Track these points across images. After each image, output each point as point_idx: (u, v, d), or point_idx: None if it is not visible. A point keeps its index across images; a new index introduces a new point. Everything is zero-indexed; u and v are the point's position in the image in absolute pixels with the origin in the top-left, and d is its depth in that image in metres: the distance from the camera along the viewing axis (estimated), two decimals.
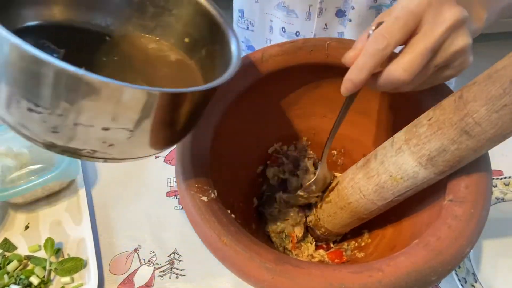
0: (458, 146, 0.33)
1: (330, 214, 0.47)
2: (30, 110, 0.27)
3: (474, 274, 0.54)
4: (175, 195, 0.64)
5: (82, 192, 0.63)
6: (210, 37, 0.40)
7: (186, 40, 0.41)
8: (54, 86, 0.25)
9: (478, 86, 0.31)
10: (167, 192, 0.65)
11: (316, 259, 0.51)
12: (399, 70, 0.32)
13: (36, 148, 0.64)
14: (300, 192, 0.49)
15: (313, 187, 0.48)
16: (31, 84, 0.26)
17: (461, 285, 0.51)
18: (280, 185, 0.54)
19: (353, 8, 0.60)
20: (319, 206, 0.49)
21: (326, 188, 0.49)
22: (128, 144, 0.30)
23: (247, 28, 0.72)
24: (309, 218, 0.52)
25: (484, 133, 0.31)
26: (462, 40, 0.33)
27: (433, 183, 0.37)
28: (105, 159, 0.32)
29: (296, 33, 0.66)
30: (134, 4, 0.41)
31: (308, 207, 0.52)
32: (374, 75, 0.34)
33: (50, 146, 0.29)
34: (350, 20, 0.62)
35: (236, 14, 0.73)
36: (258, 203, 0.54)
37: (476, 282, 0.53)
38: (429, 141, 0.34)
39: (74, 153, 0.30)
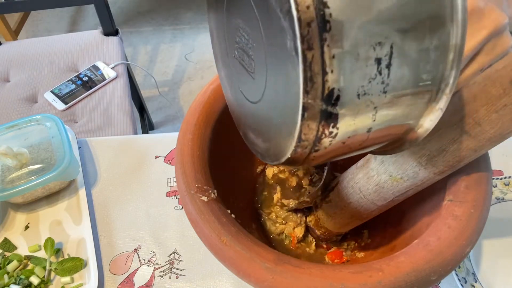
0: (458, 146, 0.33)
1: (330, 214, 0.47)
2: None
3: (474, 274, 0.54)
4: (175, 195, 0.64)
5: (82, 192, 0.63)
6: None
7: None
8: None
9: (478, 86, 0.31)
10: (167, 192, 0.65)
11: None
12: None
13: (36, 148, 0.64)
14: (306, 199, 0.49)
15: (319, 193, 0.48)
16: None
17: (461, 285, 0.51)
18: (279, 184, 0.54)
19: None
20: (319, 206, 0.49)
21: (326, 188, 0.49)
22: None
23: None
24: (309, 218, 0.52)
25: (484, 133, 0.31)
26: (502, 45, 0.33)
27: (433, 182, 0.37)
28: None
29: None
30: None
31: (307, 207, 0.52)
32: None
33: None
34: None
35: None
36: (257, 203, 0.54)
37: (476, 282, 0.53)
38: (429, 141, 0.34)
39: None
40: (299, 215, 0.52)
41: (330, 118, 0.23)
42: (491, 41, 0.33)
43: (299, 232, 0.51)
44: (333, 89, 0.22)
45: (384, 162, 0.39)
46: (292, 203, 0.51)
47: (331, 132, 0.24)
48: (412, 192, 0.39)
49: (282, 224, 0.52)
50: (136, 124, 1.11)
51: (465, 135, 0.32)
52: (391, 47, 0.22)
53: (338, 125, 0.24)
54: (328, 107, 0.23)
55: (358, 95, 0.23)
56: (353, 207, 0.43)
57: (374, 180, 0.40)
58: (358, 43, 0.22)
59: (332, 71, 0.22)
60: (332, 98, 0.23)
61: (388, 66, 0.23)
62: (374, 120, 0.25)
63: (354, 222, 0.46)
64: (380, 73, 0.23)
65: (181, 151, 0.41)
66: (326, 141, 0.25)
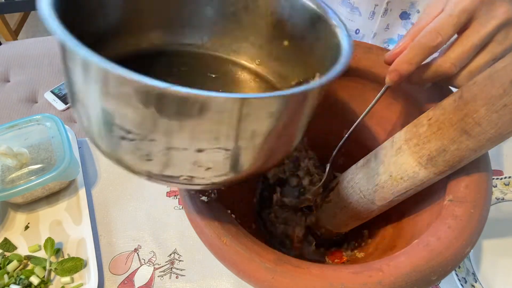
0: (458, 146, 0.33)
1: (330, 214, 0.47)
2: (122, 138, 0.26)
3: (474, 274, 0.54)
4: (175, 195, 0.64)
5: (82, 192, 0.63)
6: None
7: (285, 43, 0.38)
8: (145, 106, 0.24)
9: (478, 86, 0.31)
10: (167, 192, 0.65)
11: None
12: (448, 64, 0.34)
13: (36, 148, 0.64)
14: (308, 196, 0.49)
15: (321, 190, 0.48)
16: (121, 109, 0.24)
17: (461, 285, 0.51)
18: (278, 185, 0.54)
19: (418, 11, 0.60)
20: (319, 206, 0.49)
21: (326, 188, 0.49)
22: (225, 166, 0.28)
23: None
24: (309, 218, 0.52)
25: (484, 133, 0.31)
26: None
27: (433, 183, 0.37)
28: (205, 185, 0.30)
29: (356, 31, 0.66)
30: (228, 14, 0.38)
31: (307, 207, 0.52)
32: (419, 67, 0.36)
33: (148, 176, 0.28)
34: (413, 24, 0.62)
35: None
36: (257, 203, 0.54)
37: (476, 282, 0.53)
38: (429, 141, 0.34)
39: (171, 181, 0.29)
40: (299, 214, 0.52)
41: None
42: (502, 31, 0.33)
43: (300, 232, 0.51)
44: None
45: (384, 162, 0.39)
46: (293, 201, 0.51)
47: None
48: (412, 192, 0.39)
49: (282, 224, 0.52)
50: None
51: (465, 135, 0.32)
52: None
53: None
54: None
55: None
56: (353, 207, 0.43)
57: (374, 180, 0.40)
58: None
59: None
60: None
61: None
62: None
63: (354, 222, 0.46)
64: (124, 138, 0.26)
65: None
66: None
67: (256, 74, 0.41)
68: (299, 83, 0.38)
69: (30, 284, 0.54)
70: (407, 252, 0.34)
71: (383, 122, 0.50)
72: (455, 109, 0.32)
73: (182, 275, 0.56)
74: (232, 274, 0.35)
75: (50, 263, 0.56)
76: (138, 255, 0.59)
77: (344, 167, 0.48)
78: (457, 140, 0.33)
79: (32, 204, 0.63)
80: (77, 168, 0.63)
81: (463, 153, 0.33)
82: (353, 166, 0.44)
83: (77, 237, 0.59)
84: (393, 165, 0.38)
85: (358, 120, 0.43)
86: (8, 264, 0.56)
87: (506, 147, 0.66)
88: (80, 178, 0.64)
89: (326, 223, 0.48)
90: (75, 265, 0.56)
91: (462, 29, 0.34)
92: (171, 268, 0.57)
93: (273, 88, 0.40)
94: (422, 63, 0.35)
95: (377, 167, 0.40)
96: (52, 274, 0.56)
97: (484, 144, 0.32)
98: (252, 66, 0.40)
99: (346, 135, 0.44)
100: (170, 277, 0.56)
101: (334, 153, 0.46)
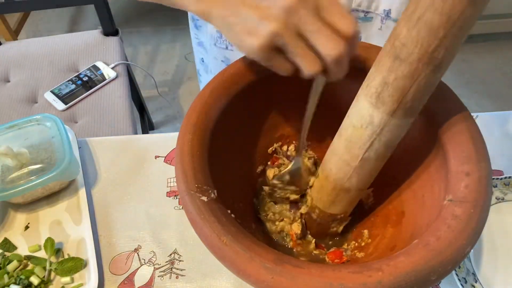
0: (395, 75, 0.34)
1: (319, 189, 0.47)
2: None
3: (474, 274, 0.54)
4: (175, 195, 0.64)
5: (82, 192, 0.63)
6: None
7: None
8: None
9: (404, 12, 0.32)
10: (167, 192, 0.65)
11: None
12: None
13: (36, 148, 0.64)
14: (275, 181, 0.49)
15: (287, 177, 0.48)
16: None
17: (461, 285, 0.51)
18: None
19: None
20: (311, 185, 0.50)
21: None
22: None
23: (227, 47, 0.72)
24: (303, 207, 0.51)
25: (411, 54, 0.32)
26: None
27: (394, 130, 0.37)
28: None
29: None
30: None
31: (301, 197, 0.52)
32: None
33: None
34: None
35: (215, 35, 0.72)
36: (257, 204, 0.54)
37: (476, 282, 0.53)
38: (374, 78, 0.35)
39: None
40: (292, 211, 0.52)
41: None
42: None
43: (297, 228, 0.51)
44: None
45: (349, 115, 0.40)
46: (287, 188, 0.51)
47: None
48: (378, 144, 0.38)
49: (280, 221, 0.52)
50: (136, 124, 1.11)
51: (397, 60, 0.33)
52: None
53: None
54: None
55: None
56: (334, 174, 0.43)
57: (343, 137, 0.41)
58: None
59: None
60: None
61: None
62: None
63: (340, 195, 0.45)
64: None
65: (181, 151, 0.41)
66: None
67: None
68: None
69: (30, 284, 0.54)
70: (407, 252, 0.34)
71: None
72: (388, 40, 0.34)
73: (182, 275, 0.57)
74: (232, 274, 0.35)
75: (50, 263, 0.56)
76: (138, 255, 0.59)
77: None
78: (393, 68, 0.33)
79: (32, 204, 0.63)
80: (77, 168, 0.63)
81: (402, 83, 0.34)
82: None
83: (77, 237, 0.59)
84: (354, 114, 0.39)
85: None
86: (8, 264, 0.56)
87: (506, 147, 0.66)
88: (80, 178, 0.64)
89: (317, 201, 0.48)
90: (75, 265, 0.56)
91: None
92: (171, 268, 0.57)
93: None
94: None
95: (345, 122, 0.41)
96: (52, 274, 0.56)
97: (417, 66, 0.32)
98: None
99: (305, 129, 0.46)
100: (170, 277, 0.56)
101: (302, 133, 0.47)
